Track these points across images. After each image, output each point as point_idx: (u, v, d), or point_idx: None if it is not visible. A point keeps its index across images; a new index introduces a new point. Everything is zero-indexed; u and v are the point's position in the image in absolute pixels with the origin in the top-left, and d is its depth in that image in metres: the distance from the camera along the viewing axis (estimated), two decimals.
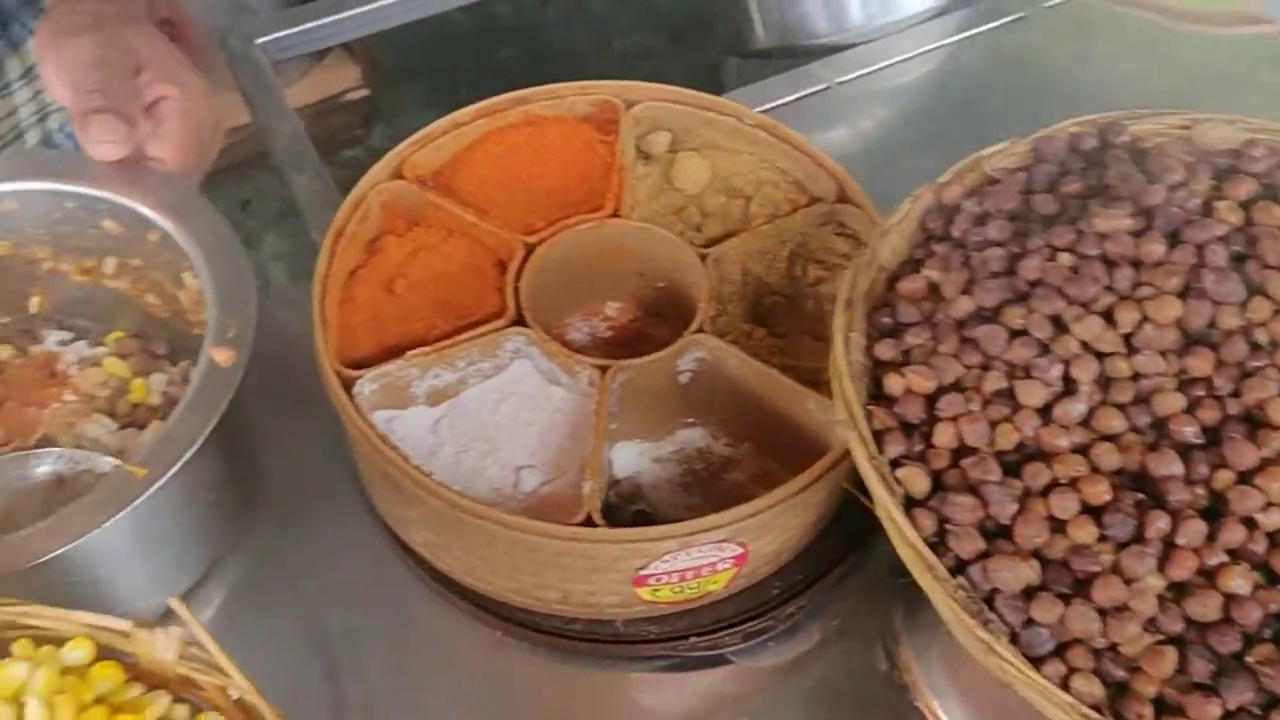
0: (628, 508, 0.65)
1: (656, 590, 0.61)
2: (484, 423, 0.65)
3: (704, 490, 0.66)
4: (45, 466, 0.64)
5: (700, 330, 0.65)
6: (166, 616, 0.49)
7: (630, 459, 0.66)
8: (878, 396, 0.54)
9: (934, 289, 0.56)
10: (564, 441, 0.65)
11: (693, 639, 0.63)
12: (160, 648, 0.45)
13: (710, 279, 0.67)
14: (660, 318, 0.73)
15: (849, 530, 0.67)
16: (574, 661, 0.64)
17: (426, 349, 0.64)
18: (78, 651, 0.46)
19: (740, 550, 0.60)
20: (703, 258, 0.68)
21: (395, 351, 0.65)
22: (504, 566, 0.61)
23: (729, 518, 0.58)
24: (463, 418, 0.65)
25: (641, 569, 0.59)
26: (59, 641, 0.46)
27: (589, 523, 0.58)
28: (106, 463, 0.63)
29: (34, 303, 0.69)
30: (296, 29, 0.93)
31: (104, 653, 0.47)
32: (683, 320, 0.69)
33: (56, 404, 0.67)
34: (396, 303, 0.67)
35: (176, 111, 0.64)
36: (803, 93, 0.90)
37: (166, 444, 0.56)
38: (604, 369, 0.63)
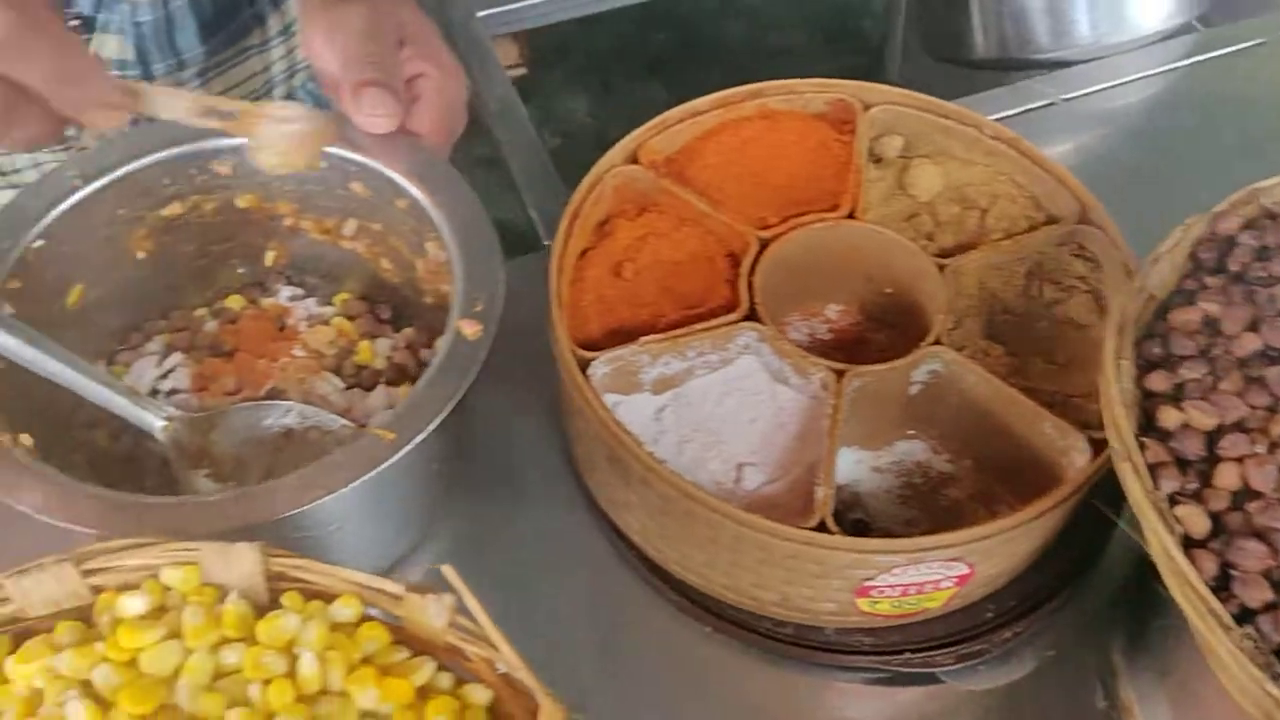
0: (846, 515, 0.64)
1: (876, 602, 0.60)
2: (707, 415, 0.65)
3: (922, 504, 0.65)
4: (276, 419, 0.64)
5: (937, 342, 0.63)
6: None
7: (848, 466, 0.65)
8: (1146, 428, 0.52)
9: (1210, 323, 0.54)
10: (789, 442, 0.64)
11: (906, 654, 0.62)
12: (432, 614, 0.45)
13: (948, 290, 0.65)
14: (880, 324, 0.72)
15: (1066, 560, 0.65)
16: (782, 665, 0.63)
17: (660, 336, 0.63)
18: (346, 609, 0.46)
19: (967, 571, 0.59)
20: (940, 268, 0.66)
21: (620, 335, 0.64)
22: (724, 562, 0.60)
23: (962, 537, 0.56)
24: (686, 408, 0.65)
25: (868, 580, 0.58)
26: (326, 598, 0.47)
27: (821, 528, 0.57)
28: (333, 420, 0.63)
29: (269, 256, 0.70)
30: (516, 5, 0.93)
31: (366, 614, 0.47)
32: (904, 329, 0.67)
33: (286, 358, 0.67)
34: (624, 287, 0.67)
35: (433, 89, 0.64)
36: (1025, 107, 0.88)
37: (412, 411, 0.56)
38: (839, 373, 0.62)
